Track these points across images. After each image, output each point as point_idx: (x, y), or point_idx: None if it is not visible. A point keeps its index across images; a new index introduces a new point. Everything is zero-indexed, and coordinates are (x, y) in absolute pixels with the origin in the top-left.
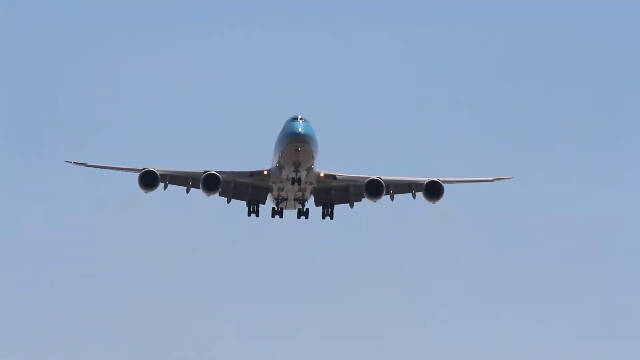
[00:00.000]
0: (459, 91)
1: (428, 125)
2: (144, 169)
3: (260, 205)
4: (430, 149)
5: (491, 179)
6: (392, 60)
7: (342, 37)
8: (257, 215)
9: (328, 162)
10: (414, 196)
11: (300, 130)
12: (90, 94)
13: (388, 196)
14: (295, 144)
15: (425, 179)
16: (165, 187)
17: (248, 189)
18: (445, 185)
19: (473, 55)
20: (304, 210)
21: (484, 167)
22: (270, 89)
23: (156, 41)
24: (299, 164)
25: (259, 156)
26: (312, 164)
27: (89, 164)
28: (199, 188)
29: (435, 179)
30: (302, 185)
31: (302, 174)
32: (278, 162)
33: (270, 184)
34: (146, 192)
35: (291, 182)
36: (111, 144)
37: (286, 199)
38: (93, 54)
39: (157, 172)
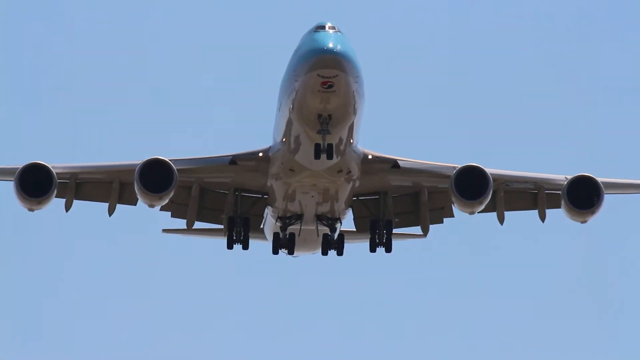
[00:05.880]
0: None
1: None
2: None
3: (252, 230)
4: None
5: None
6: None
7: None
8: (245, 247)
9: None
10: (542, 216)
11: (331, 45)
12: None
13: (494, 214)
14: (323, 72)
15: (562, 176)
16: (68, 205)
17: (227, 197)
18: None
19: None
20: (333, 238)
21: None
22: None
23: None
24: (329, 116)
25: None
26: (353, 122)
27: None
28: (132, 203)
29: (587, 175)
30: (333, 176)
31: (334, 142)
32: (287, 126)
33: (269, 181)
34: (30, 209)
35: (314, 154)
36: None
37: (300, 216)
38: None
39: (52, 170)
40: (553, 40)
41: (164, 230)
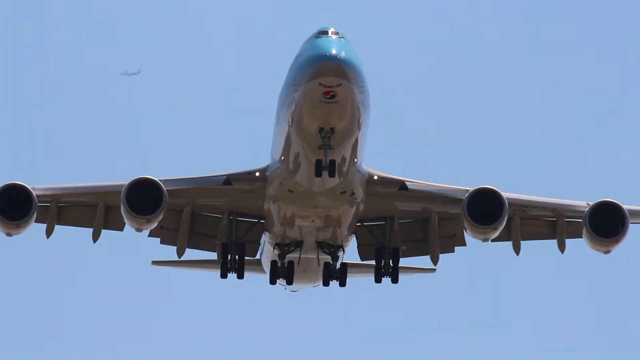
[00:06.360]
0: None
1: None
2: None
3: (248, 259)
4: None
5: None
6: None
7: None
8: (240, 277)
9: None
10: (562, 246)
11: (334, 51)
12: None
13: (509, 244)
14: (325, 80)
15: (584, 203)
16: (49, 231)
17: (221, 221)
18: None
19: None
20: (336, 267)
21: None
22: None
23: None
24: (331, 130)
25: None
26: (357, 137)
27: None
28: (118, 229)
29: (610, 200)
30: (335, 198)
31: (337, 158)
32: (286, 141)
33: (266, 204)
34: (8, 233)
35: (315, 171)
36: None
37: (300, 243)
38: None
39: (32, 191)
40: (571, 59)
41: (154, 262)
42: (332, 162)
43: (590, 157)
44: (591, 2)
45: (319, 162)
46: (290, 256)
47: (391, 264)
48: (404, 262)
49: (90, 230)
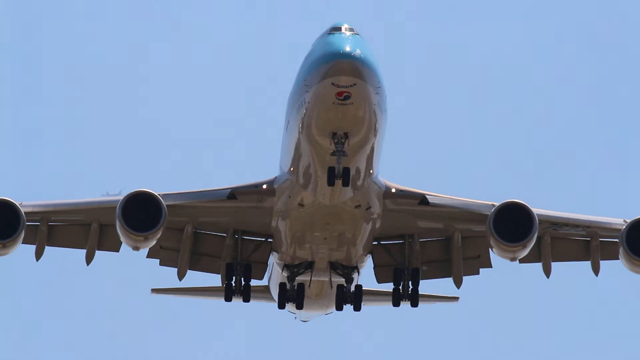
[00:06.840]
0: None
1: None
2: None
3: (254, 285)
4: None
5: None
6: None
7: None
8: (246, 300)
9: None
10: (596, 267)
11: (348, 49)
12: None
13: (539, 265)
14: (339, 80)
15: (621, 220)
16: (39, 253)
17: (226, 240)
18: None
19: None
20: (350, 290)
21: None
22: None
23: None
24: (345, 135)
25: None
26: (373, 144)
27: None
28: (114, 250)
29: None
30: (349, 213)
31: (352, 166)
32: (296, 149)
33: (274, 221)
34: None
35: (327, 179)
36: None
37: (311, 264)
38: None
39: (20, 208)
40: (601, 67)
41: (153, 290)
42: (347, 170)
43: (627, 169)
44: None
45: (331, 170)
46: (300, 278)
47: (410, 286)
48: (424, 285)
49: (84, 251)
